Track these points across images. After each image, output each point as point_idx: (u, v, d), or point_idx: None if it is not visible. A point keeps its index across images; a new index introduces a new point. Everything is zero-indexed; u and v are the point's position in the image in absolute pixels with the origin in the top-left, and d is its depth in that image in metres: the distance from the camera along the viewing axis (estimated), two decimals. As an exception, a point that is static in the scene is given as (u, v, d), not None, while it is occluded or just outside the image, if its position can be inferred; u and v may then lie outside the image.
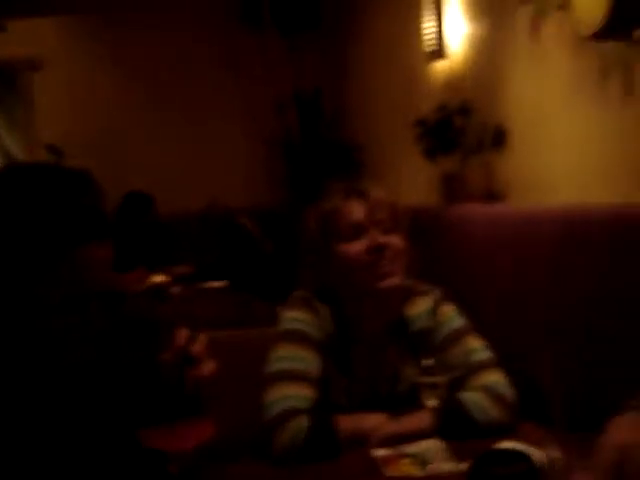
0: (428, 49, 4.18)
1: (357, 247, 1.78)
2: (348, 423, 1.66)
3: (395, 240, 1.80)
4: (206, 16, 6.07)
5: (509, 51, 3.66)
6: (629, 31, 2.78)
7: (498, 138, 3.69)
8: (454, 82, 4.11)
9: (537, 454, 1.26)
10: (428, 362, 1.63)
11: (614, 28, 2.86)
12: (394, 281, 1.77)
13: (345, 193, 1.84)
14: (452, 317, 1.85)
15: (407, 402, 1.74)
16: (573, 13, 3.10)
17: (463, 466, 1.41)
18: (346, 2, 5.82)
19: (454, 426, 1.64)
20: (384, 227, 1.80)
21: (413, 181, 4.56)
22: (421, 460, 1.53)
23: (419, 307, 1.86)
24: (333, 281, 1.84)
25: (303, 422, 1.63)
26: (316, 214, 1.87)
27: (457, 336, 1.81)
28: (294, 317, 1.81)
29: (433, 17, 4.08)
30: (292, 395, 1.68)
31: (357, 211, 1.81)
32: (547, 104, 3.40)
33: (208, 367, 1.16)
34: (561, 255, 2.34)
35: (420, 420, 1.66)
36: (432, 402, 1.64)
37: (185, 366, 1.13)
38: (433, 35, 4.11)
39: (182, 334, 1.17)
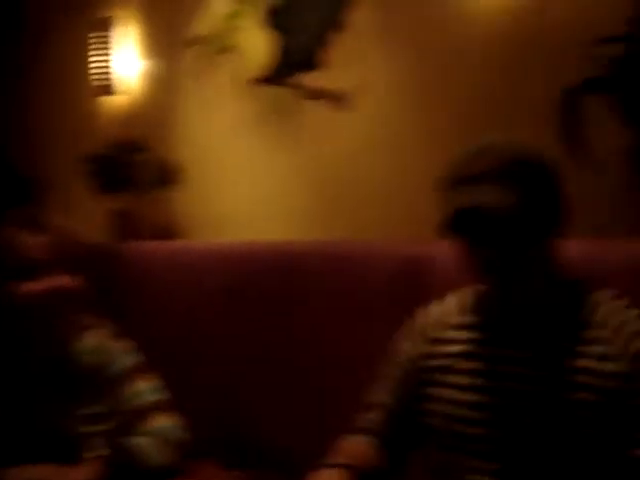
0: (97, 84, 4.11)
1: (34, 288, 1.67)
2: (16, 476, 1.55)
3: (66, 280, 1.72)
4: None
5: (182, 90, 3.73)
6: (290, 76, 2.99)
7: (173, 176, 3.72)
8: (128, 119, 4.09)
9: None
10: (93, 409, 1.56)
11: (278, 74, 3.05)
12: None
13: (20, 226, 1.73)
14: (122, 355, 1.78)
15: (74, 451, 1.65)
16: (239, 58, 3.26)
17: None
18: (17, 36, 5.52)
19: (123, 474, 1.58)
20: (59, 266, 1.71)
21: (88, 218, 4.42)
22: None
23: (85, 342, 1.77)
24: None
25: None
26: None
27: (126, 376, 1.74)
28: None
29: (102, 53, 4.02)
30: None
31: (34, 247, 1.70)
32: (216, 144, 3.51)
33: None
34: (233, 288, 2.41)
35: (88, 471, 1.57)
36: (99, 451, 1.58)
37: None
38: (103, 70, 4.05)
39: None
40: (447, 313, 1.44)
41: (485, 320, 1.38)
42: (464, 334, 1.39)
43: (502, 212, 1.21)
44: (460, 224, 1.25)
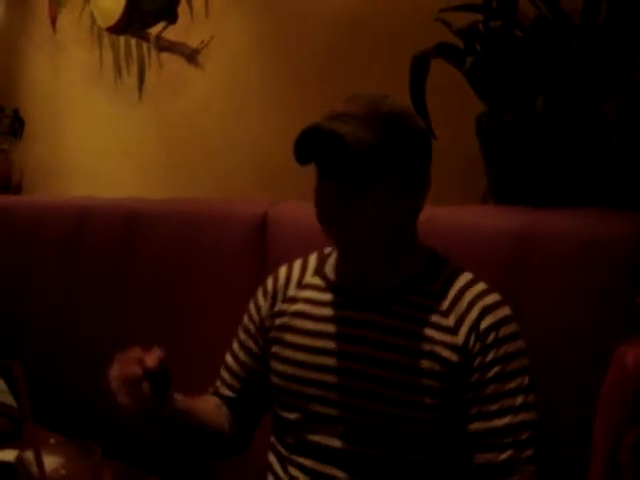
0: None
1: None
2: None
3: None
4: None
5: (31, 38, 3.53)
6: (144, 27, 2.87)
7: (16, 125, 3.54)
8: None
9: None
10: None
11: (130, 23, 2.93)
12: None
13: None
14: None
15: None
16: (92, 4, 3.11)
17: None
18: None
19: None
20: None
21: None
22: None
23: None
24: None
25: None
26: None
27: None
28: None
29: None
30: None
31: None
32: (66, 94, 3.35)
33: None
34: (72, 246, 2.32)
35: None
36: None
37: None
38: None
39: None
40: (293, 274, 1.42)
41: (326, 281, 1.37)
42: (305, 293, 1.38)
43: (356, 144, 1.17)
44: (309, 148, 1.22)
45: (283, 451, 1.38)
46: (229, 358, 1.48)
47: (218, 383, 1.48)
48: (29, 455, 1.07)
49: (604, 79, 1.58)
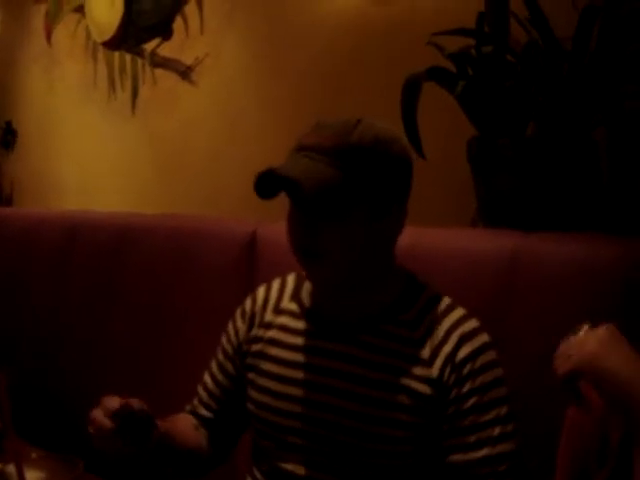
0: None
1: None
2: None
3: None
4: None
5: (26, 51, 3.54)
6: (140, 42, 2.88)
7: (9, 137, 3.54)
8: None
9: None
10: None
11: (126, 39, 2.94)
12: None
13: None
14: None
15: None
16: (88, 19, 3.12)
17: None
18: None
19: None
20: None
21: None
22: None
23: None
24: None
25: None
26: None
27: None
28: None
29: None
30: None
31: None
32: (59, 107, 3.35)
33: None
34: (63, 259, 2.32)
35: None
36: None
37: None
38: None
39: None
40: (270, 297, 1.41)
41: (302, 308, 1.36)
42: (281, 320, 1.36)
43: (312, 187, 1.15)
44: (270, 187, 1.21)
45: (258, 475, 1.36)
46: (207, 378, 1.46)
47: (195, 402, 1.47)
48: (11, 469, 1.07)
49: (594, 105, 1.59)
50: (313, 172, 1.17)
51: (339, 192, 1.18)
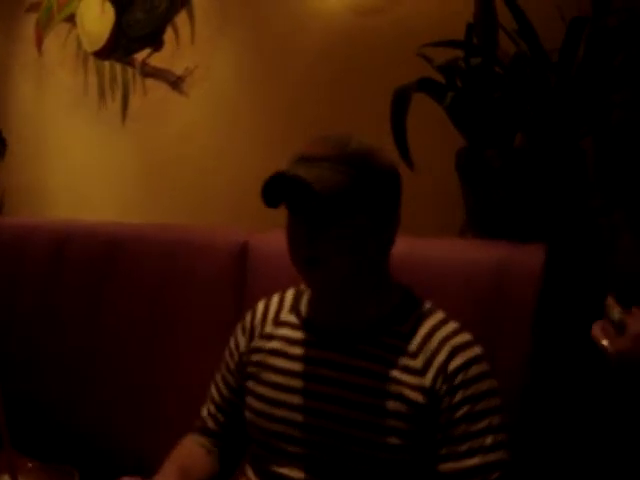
0: None
1: None
2: None
3: None
4: None
5: (17, 60, 3.53)
6: (131, 52, 2.89)
7: (1, 148, 3.53)
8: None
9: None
10: None
11: (116, 49, 2.95)
12: None
13: None
14: None
15: None
16: (79, 29, 3.12)
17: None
18: None
19: None
20: None
21: None
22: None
23: None
24: None
25: None
26: None
27: None
28: None
29: None
30: None
31: None
32: (50, 116, 3.35)
33: None
34: (53, 268, 2.31)
35: None
36: None
37: None
38: None
39: None
40: (270, 310, 1.43)
41: (301, 319, 1.38)
42: (282, 331, 1.38)
43: (324, 189, 1.18)
44: (276, 193, 1.23)
45: None
46: (213, 391, 1.49)
47: (205, 414, 1.49)
48: (6, 479, 1.07)
49: (582, 115, 1.60)
50: (321, 176, 1.20)
51: (346, 195, 1.21)
